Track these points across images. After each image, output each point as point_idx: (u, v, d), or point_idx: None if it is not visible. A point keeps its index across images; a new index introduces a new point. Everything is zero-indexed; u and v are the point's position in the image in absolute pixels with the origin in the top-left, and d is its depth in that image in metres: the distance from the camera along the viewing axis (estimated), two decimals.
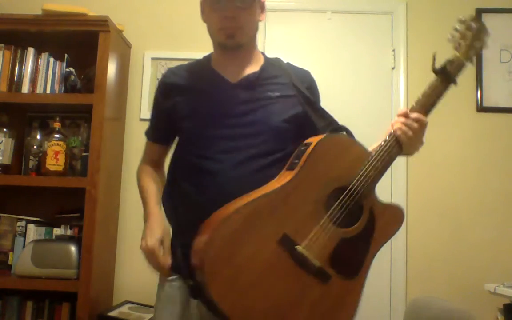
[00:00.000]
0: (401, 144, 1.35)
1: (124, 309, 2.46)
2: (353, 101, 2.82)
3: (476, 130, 2.78)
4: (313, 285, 1.26)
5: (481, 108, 2.78)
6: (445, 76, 1.41)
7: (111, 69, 2.55)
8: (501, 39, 2.82)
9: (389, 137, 1.36)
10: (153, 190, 1.48)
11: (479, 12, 2.82)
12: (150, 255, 1.31)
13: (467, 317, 1.71)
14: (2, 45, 2.60)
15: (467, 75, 2.81)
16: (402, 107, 2.79)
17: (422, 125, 1.37)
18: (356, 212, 1.30)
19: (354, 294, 1.33)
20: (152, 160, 1.58)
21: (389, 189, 2.72)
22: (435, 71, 1.41)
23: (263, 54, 1.56)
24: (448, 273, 2.67)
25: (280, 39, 2.89)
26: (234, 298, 1.20)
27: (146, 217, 1.41)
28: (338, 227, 1.28)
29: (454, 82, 1.42)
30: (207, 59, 1.54)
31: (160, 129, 1.55)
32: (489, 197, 2.71)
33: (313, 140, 1.33)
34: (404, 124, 1.35)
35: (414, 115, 1.36)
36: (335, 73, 2.85)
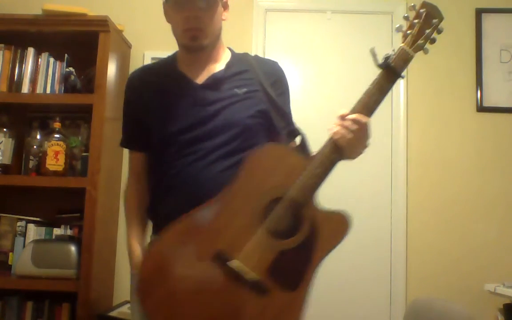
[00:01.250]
0: (340, 149, 1.28)
1: (124, 309, 2.46)
2: (352, 101, 2.80)
3: (476, 130, 2.77)
4: (251, 299, 1.23)
5: (481, 108, 2.78)
6: (389, 71, 1.33)
7: (111, 69, 2.55)
8: (501, 39, 2.81)
9: (327, 142, 1.28)
10: (138, 232, 1.45)
11: (479, 12, 2.82)
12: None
13: (467, 317, 1.70)
14: (2, 45, 2.60)
15: (467, 75, 2.84)
16: (401, 107, 2.80)
17: (362, 127, 1.29)
18: (297, 222, 1.26)
19: (295, 306, 1.26)
20: (137, 174, 1.51)
21: (389, 189, 2.72)
22: (378, 66, 1.34)
23: (230, 50, 1.54)
24: (448, 273, 2.66)
25: (280, 39, 2.89)
26: (167, 316, 1.24)
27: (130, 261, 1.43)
28: (276, 238, 1.24)
29: (400, 76, 1.33)
30: (172, 58, 1.52)
31: (135, 135, 1.50)
32: (489, 197, 2.71)
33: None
34: (342, 126, 1.27)
35: (352, 116, 1.29)
36: (335, 73, 2.85)
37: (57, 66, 2.60)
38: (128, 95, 1.52)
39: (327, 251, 1.27)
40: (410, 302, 2.19)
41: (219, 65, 1.47)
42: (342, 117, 1.29)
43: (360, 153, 1.33)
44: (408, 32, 1.35)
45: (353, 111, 1.31)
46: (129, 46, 2.85)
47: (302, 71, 2.85)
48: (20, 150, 2.66)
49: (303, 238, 1.25)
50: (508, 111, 2.78)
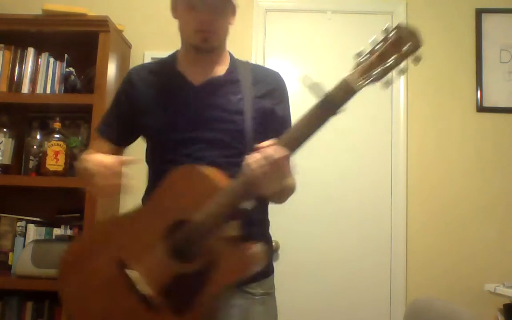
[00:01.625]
0: (249, 183, 1.17)
1: None
2: (352, 101, 2.81)
3: (476, 130, 2.77)
4: (141, 310, 1.25)
5: (481, 108, 2.78)
6: (324, 102, 1.14)
7: (111, 69, 2.55)
8: (501, 39, 2.81)
9: (240, 172, 1.18)
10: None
11: (479, 12, 2.82)
12: (107, 172, 1.24)
13: (467, 317, 1.70)
14: (2, 45, 2.60)
15: (467, 75, 2.84)
16: (401, 107, 2.80)
17: (274, 164, 1.14)
18: (200, 248, 1.23)
19: None
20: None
21: (389, 189, 2.72)
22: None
23: (231, 55, 1.54)
24: (448, 273, 2.66)
25: (280, 39, 2.89)
26: (73, 304, 1.35)
27: (84, 163, 1.32)
28: (177, 260, 1.24)
29: (335, 112, 1.14)
30: (173, 58, 1.52)
31: (115, 128, 1.51)
32: (489, 197, 2.71)
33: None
34: (254, 160, 1.15)
35: (266, 152, 1.15)
36: (335, 73, 2.84)
37: (57, 66, 2.60)
38: (124, 88, 1.52)
39: (222, 285, 1.22)
40: (410, 302, 2.19)
41: (219, 69, 1.48)
42: (257, 149, 1.18)
43: (276, 190, 1.20)
44: (361, 59, 1.14)
45: (278, 142, 1.16)
46: (129, 46, 2.85)
47: (302, 71, 2.85)
48: (20, 150, 2.66)
49: (199, 266, 1.22)
50: (508, 111, 2.78)
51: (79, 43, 2.59)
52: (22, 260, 2.34)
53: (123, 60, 2.77)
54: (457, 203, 2.72)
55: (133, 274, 1.26)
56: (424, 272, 2.68)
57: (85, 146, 2.57)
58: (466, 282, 2.62)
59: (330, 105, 1.14)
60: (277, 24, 2.90)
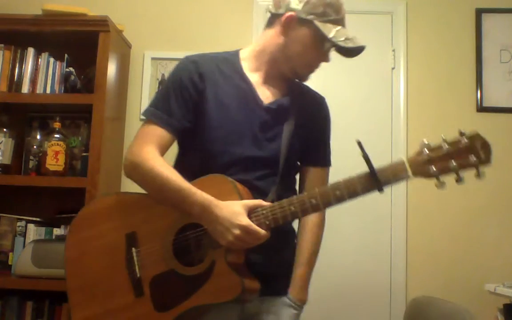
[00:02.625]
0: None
1: None
2: (353, 101, 2.82)
3: (476, 130, 2.77)
4: (128, 291, 1.28)
5: (481, 108, 2.78)
6: (371, 176, 1.17)
7: (111, 69, 2.55)
8: (501, 39, 2.81)
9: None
10: (180, 177, 1.27)
11: (479, 12, 2.82)
12: (247, 233, 1.20)
13: (467, 317, 1.70)
14: (2, 45, 2.60)
15: (467, 75, 2.84)
16: (401, 107, 2.79)
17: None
18: (202, 257, 1.25)
19: None
20: (161, 147, 1.34)
21: (389, 189, 2.72)
22: (363, 157, 1.16)
23: None
24: (448, 273, 2.66)
25: None
26: (75, 255, 1.37)
27: (199, 208, 1.23)
28: (175, 256, 1.26)
29: (380, 190, 1.17)
30: (236, 59, 1.44)
31: (180, 119, 1.36)
32: (489, 197, 2.71)
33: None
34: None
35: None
36: (335, 73, 2.85)
37: (57, 66, 2.60)
38: (192, 78, 1.36)
39: (210, 302, 1.23)
40: (410, 301, 2.19)
41: (280, 86, 1.45)
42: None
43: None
44: (426, 151, 1.12)
45: (314, 193, 1.23)
46: (129, 46, 2.85)
47: None
48: (20, 150, 2.66)
49: (196, 274, 1.24)
50: (508, 111, 2.78)
51: (79, 43, 2.59)
52: (22, 260, 2.34)
53: (123, 60, 2.77)
54: (457, 203, 2.72)
55: (134, 252, 1.29)
56: (424, 272, 2.67)
57: (85, 146, 2.57)
58: (466, 281, 2.62)
59: (375, 180, 1.16)
60: None
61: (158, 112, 1.35)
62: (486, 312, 2.52)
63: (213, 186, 1.25)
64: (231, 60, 1.44)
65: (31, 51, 2.60)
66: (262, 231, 1.19)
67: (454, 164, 1.09)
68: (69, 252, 1.38)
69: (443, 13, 2.85)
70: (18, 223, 2.55)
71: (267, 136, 1.38)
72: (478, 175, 1.11)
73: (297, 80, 1.50)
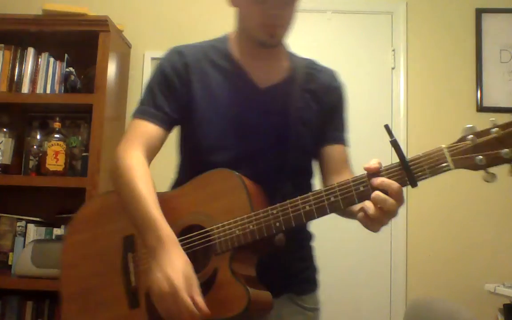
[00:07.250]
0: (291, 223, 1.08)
1: None
2: (353, 101, 2.80)
3: None
4: (122, 302, 1.16)
5: (481, 108, 2.78)
6: (404, 169, 1.05)
7: (111, 69, 2.55)
8: (501, 39, 2.81)
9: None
10: (155, 201, 1.14)
11: (479, 12, 2.82)
12: (178, 300, 1.01)
13: (467, 317, 1.70)
14: (2, 45, 2.60)
15: (467, 75, 2.84)
16: (401, 107, 2.80)
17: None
18: (205, 264, 1.11)
19: None
20: (148, 146, 1.24)
21: None
22: (391, 142, 1.02)
23: (289, 51, 1.41)
24: (448, 273, 2.66)
25: None
26: (70, 261, 1.25)
27: (155, 241, 1.08)
28: None
29: (414, 184, 1.04)
30: (224, 45, 1.33)
31: (167, 111, 1.26)
32: (489, 197, 2.71)
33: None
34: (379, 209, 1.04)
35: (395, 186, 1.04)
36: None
37: (57, 66, 2.61)
38: (177, 69, 1.29)
39: (213, 316, 1.05)
40: (410, 301, 2.19)
41: (281, 67, 1.34)
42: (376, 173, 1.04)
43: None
44: (472, 136, 0.97)
45: (331, 190, 1.07)
46: (129, 46, 2.85)
47: None
48: (20, 150, 2.66)
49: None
50: (508, 111, 2.78)
51: (79, 43, 2.59)
52: (22, 260, 2.34)
53: (123, 60, 2.77)
54: (457, 203, 2.72)
55: (131, 257, 1.17)
56: (424, 272, 2.68)
57: (85, 146, 2.57)
58: (466, 282, 2.62)
59: (407, 172, 1.03)
60: None
61: (144, 107, 1.29)
62: (486, 312, 2.52)
63: (217, 181, 1.15)
64: (219, 46, 1.33)
65: (31, 51, 2.60)
66: (195, 311, 1.00)
67: (508, 152, 0.93)
68: (64, 257, 1.27)
69: (443, 13, 2.86)
70: (18, 223, 2.55)
71: (270, 122, 1.26)
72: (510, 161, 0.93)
73: (298, 55, 1.41)
